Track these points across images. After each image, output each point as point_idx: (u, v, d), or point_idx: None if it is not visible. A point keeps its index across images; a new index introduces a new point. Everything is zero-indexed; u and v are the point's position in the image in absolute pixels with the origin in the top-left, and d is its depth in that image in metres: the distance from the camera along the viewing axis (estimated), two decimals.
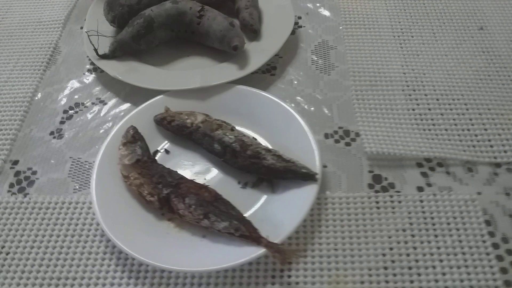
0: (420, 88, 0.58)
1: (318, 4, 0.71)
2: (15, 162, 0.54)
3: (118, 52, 0.61)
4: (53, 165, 0.54)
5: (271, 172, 0.47)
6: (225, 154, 0.50)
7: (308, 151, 0.48)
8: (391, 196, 0.48)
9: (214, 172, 0.51)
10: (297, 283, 0.42)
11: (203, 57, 0.63)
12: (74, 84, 0.63)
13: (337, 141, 0.53)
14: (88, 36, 0.62)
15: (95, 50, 0.60)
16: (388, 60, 0.61)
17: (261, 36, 0.63)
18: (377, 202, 0.47)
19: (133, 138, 0.51)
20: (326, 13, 0.69)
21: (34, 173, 0.53)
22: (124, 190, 0.48)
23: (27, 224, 0.48)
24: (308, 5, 0.71)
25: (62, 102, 0.61)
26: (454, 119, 0.54)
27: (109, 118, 0.58)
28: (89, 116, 0.59)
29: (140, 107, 0.55)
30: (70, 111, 0.60)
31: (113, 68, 0.59)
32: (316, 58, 0.63)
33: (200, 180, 0.50)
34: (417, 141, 0.52)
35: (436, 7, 0.69)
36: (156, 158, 0.53)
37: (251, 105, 0.54)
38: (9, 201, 0.50)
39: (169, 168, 0.50)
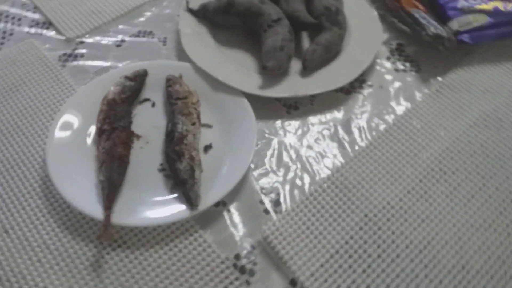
0: None
1: None
2: None
3: (200, 14, 0.67)
4: None
5: (174, 174, 0.50)
6: (167, 135, 0.54)
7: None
8: None
9: (156, 142, 0.55)
10: None
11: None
12: None
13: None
14: None
15: (187, 3, 0.68)
16: None
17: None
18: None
19: (134, 76, 0.59)
20: None
21: None
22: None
23: None
24: None
25: None
26: None
27: None
28: None
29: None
30: None
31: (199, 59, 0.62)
32: None
33: (140, 142, 0.56)
34: None
35: None
36: (142, 104, 0.60)
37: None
38: None
39: (131, 116, 0.56)
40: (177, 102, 0.57)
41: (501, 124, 0.59)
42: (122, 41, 0.69)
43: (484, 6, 0.66)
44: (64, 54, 0.67)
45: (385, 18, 0.69)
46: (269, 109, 0.60)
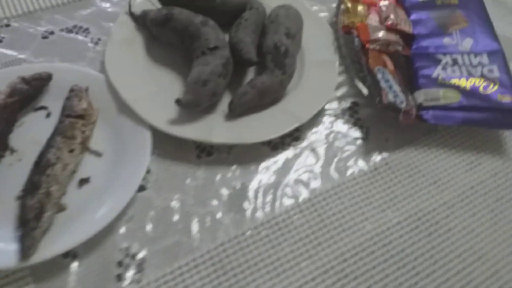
0: None
1: None
2: None
3: (140, 21, 0.59)
4: None
5: (20, 210, 0.42)
6: (37, 159, 0.46)
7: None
8: None
9: (30, 162, 0.47)
10: None
11: None
12: None
13: None
14: None
15: (130, 6, 0.59)
16: None
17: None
18: None
19: (31, 79, 0.51)
20: None
21: None
22: None
23: None
24: None
25: None
26: None
27: None
28: None
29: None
30: None
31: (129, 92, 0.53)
32: None
33: (13, 157, 0.48)
34: None
35: None
36: (36, 112, 0.52)
37: None
38: None
39: (13, 125, 0.49)
40: (64, 120, 0.49)
41: (435, 228, 0.48)
42: (51, 33, 0.62)
43: (461, 82, 0.56)
44: None
45: (348, 70, 0.59)
46: (180, 149, 0.51)
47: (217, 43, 0.53)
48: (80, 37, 0.62)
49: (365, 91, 0.56)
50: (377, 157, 0.53)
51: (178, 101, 0.49)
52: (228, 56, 0.53)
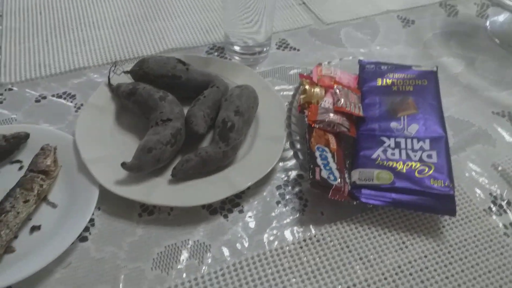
0: None
1: None
2: None
3: (114, 92, 0.67)
4: None
5: None
6: None
7: None
8: None
9: None
10: None
11: None
12: None
13: None
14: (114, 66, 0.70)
15: (109, 78, 0.69)
16: None
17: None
18: None
19: (10, 138, 0.60)
20: None
21: None
22: None
23: None
24: None
25: None
26: None
27: None
28: None
29: None
30: None
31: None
32: None
33: None
34: None
35: None
36: (11, 165, 0.60)
37: None
38: None
39: None
40: (27, 173, 0.56)
41: None
42: (44, 97, 0.72)
43: (398, 165, 0.59)
44: None
45: (293, 145, 0.64)
46: (125, 207, 0.57)
47: (170, 115, 0.60)
48: (66, 103, 0.71)
49: (303, 165, 0.60)
50: (310, 230, 0.56)
51: (123, 165, 0.56)
52: (179, 127, 0.60)
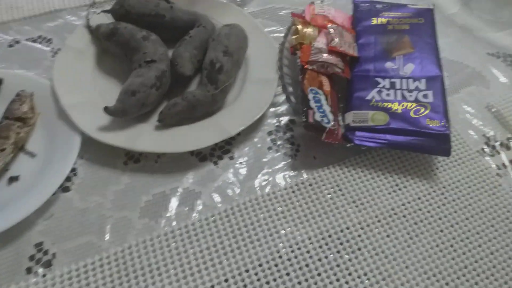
0: None
1: None
2: None
3: (94, 34, 0.62)
4: None
5: None
6: None
7: None
8: None
9: None
10: None
11: None
12: None
13: None
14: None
15: (87, 19, 0.63)
16: None
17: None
18: None
19: None
20: None
21: None
22: None
23: None
24: None
25: None
26: None
27: None
28: None
29: None
30: None
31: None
32: None
33: None
34: None
35: None
36: None
37: None
38: None
39: None
40: (2, 121, 0.52)
41: (344, 246, 0.48)
42: (17, 42, 0.66)
43: (393, 105, 0.56)
44: None
45: (284, 89, 0.60)
46: (109, 155, 0.54)
47: (154, 56, 0.56)
48: (42, 47, 0.65)
49: (295, 109, 0.57)
50: (302, 174, 0.54)
51: (106, 109, 0.52)
52: (164, 69, 0.56)
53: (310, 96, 0.56)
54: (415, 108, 0.56)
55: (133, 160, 0.54)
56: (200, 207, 0.50)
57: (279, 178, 0.53)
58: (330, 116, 0.55)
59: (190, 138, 0.53)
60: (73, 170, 0.52)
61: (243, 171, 0.54)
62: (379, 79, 0.60)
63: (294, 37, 0.65)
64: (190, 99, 0.54)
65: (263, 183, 0.53)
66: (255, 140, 0.57)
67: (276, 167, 0.55)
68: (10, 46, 0.65)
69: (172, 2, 0.63)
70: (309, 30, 0.65)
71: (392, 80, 0.59)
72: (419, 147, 0.54)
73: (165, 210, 0.50)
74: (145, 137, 0.53)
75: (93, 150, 0.53)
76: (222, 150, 0.56)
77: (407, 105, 0.56)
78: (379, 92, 0.58)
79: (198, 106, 0.55)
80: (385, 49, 0.63)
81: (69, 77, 0.58)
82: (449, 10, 0.80)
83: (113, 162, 0.53)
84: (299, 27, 0.66)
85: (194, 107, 0.55)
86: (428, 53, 0.62)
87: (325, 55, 0.61)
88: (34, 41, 0.66)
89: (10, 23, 0.69)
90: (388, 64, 0.61)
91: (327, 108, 0.55)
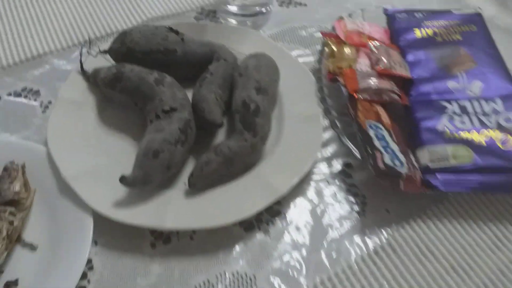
0: None
1: None
2: None
3: (91, 80, 0.49)
4: None
5: None
6: None
7: None
8: None
9: None
10: None
11: None
12: None
13: None
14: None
15: (81, 63, 0.51)
16: None
17: None
18: None
19: None
20: None
21: None
22: None
23: None
24: None
25: None
26: None
27: None
28: None
29: None
30: None
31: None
32: None
33: None
34: None
35: None
36: None
37: None
38: None
39: None
40: None
41: None
42: None
43: (473, 136, 0.45)
44: None
45: (333, 125, 0.48)
46: (130, 237, 0.41)
47: (173, 104, 0.43)
48: (28, 102, 0.52)
49: (355, 151, 0.45)
50: (379, 235, 0.42)
51: (122, 179, 0.39)
52: (187, 118, 0.43)
53: (371, 132, 0.44)
54: (502, 138, 0.44)
55: (162, 241, 0.41)
56: None
57: (351, 244, 0.41)
58: (401, 157, 0.43)
59: (232, 205, 0.41)
60: (88, 262, 0.39)
61: (301, 239, 0.41)
62: (445, 103, 0.48)
63: (330, 60, 0.53)
64: (225, 153, 0.42)
65: (332, 253, 0.40)
66: (308, 194, 0.45)
67: (343, 229, 0.42)
68: None
69: (182, 33, 0.51)
70: (346, 51, 0.54)
71: (461, 102, 0.48)
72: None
73: None
74: (174, 210, 0.40)
75: (110, 232, 0.40)
76: (270, 212, 0.43)
77: (490, 135, 0.45)
78: (451, 119, 0.46)
79: (235, 160, 0.43)
80: (441, 65, 0.52)
81: (68, 139, 0.45)
82: (486, 13, 0.69)
83: (138, 245, 0.41)
84: (334, 48, 0.54)
85: (231, 162, 0.42)
86: (494, 66, 0.51)
87: (374, 79, 0.50)
88: (18, 95, 0.53)
89: None
90: (451, 84, 0.50)
91: (394, 147, 0.44)
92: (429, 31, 0.57)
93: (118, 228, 0.40)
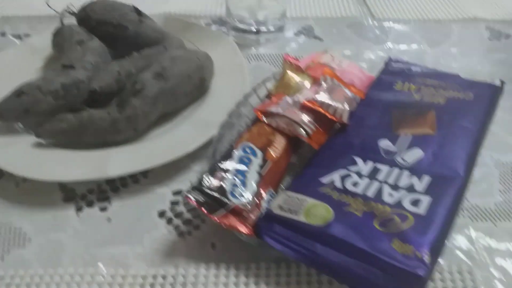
0: None
1: None
2: None
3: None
4: None
5: None
6: None
7: None
8: None
9: None
10: None
11: None
12: None
13: None
14: None
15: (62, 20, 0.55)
16: None
17: None
18: None
19: None
20: None
21: None
22: None
23: None
24: None
25: None
26: None
27: None
28: None
29: None
30: None
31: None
32: None
33: None
34: None
35: None
36: None
37: None
38: None
39: None
40: None
41: None
42: None
43: (354, 203, 0.33)
44: None
45: (219, 140, 0.41)
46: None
47: (75, 63, 0.43)
48: None
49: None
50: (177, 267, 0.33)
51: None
52: (78, 79, 0.43)
53: (237, 153, 0.36)
54: (387, 217, 0.31)
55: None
56: None
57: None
58: (251, 190, 0.34)
59: (58, 166, 0.38)
60: None
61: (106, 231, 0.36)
62: (359, 160, 0.37)
63: (273, 84, 0.46)
64: (83, 117, 0.39)
65: (108, 260, 0.34)
66: (143, 201, 0.39)
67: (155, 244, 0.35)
68: None
69: (145, 15, 0.51)
70: (296, 80, 0.46)
71: (378, 165, 0.36)
72: (362, 283, 0.29)
73: None
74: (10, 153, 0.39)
75: None
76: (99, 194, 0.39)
77: (376, 208, 0.32)
78: (346, 176, 0.35)
79: (89, 129, 0.40)
80: (393, 120, 0.41)
81: None
82: None
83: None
84: (287, 72, 0.47)
85: (84, 129, 0.40)
86: (457, 143, 0.38)
87: (293, 109, 0.41)
88: None
89: None
90: (383, 143, 0.38)
91: (253, 176, 0.35)
92: (413, 87, 0.45)
93: None
